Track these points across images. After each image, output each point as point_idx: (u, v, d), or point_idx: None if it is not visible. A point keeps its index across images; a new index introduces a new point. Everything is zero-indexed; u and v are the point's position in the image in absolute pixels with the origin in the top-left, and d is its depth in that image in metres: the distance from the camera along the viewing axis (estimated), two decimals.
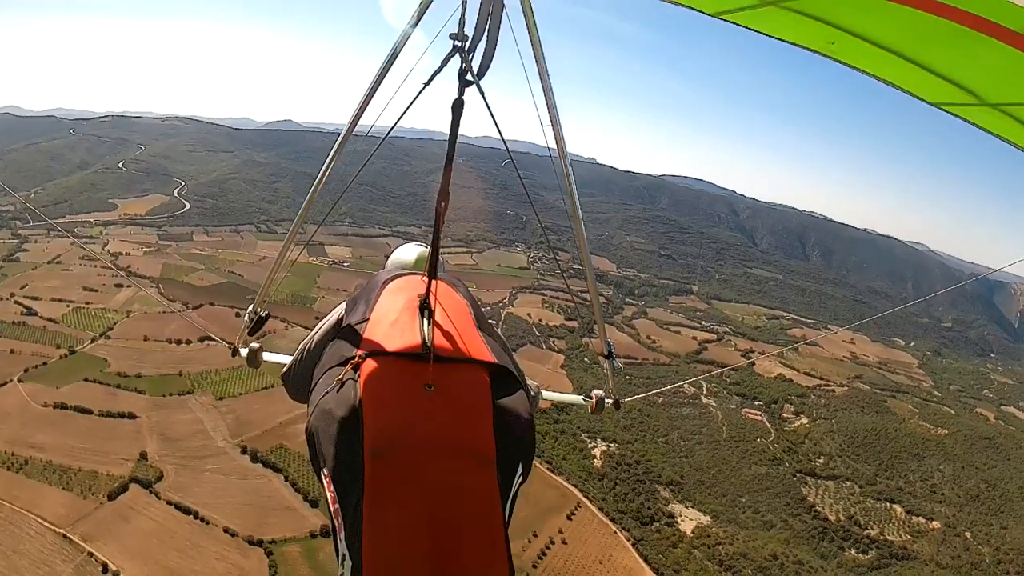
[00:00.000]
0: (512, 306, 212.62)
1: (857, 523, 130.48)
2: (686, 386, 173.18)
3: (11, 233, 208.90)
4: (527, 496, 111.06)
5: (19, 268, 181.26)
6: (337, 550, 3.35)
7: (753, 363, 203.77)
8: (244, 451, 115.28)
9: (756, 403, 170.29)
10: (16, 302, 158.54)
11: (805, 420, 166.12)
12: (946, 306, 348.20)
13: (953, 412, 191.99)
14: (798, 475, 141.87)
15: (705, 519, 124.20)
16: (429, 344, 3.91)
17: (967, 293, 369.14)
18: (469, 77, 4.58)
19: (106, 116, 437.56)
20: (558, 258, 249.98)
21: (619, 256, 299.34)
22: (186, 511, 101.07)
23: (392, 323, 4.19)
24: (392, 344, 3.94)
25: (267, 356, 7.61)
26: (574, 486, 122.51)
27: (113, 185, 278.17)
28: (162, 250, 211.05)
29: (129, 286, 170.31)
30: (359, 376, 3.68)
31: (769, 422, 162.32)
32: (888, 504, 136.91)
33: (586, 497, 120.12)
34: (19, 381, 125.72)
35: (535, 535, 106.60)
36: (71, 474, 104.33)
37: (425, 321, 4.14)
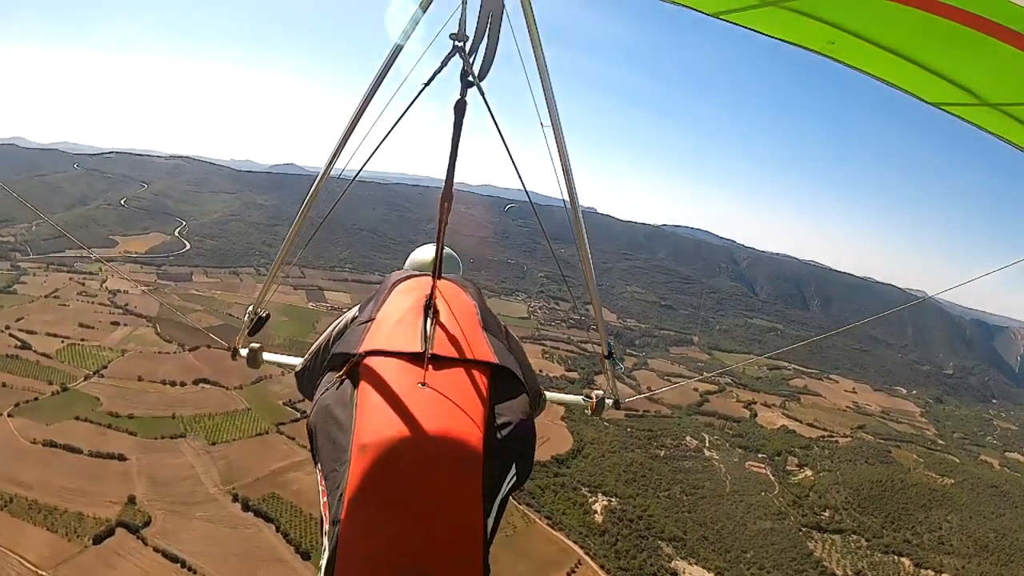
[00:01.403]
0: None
1: None
2: (688, 439, 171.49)
3: (10, 264, 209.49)
4: (525, 552, 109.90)
5: (15, 300, 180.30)
6: (322, 543, 3.39)
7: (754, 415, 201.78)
8: (235, 499, 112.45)
9: (759, 455, 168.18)
10: (11, 335, 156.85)
11: (809, 472, 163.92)
12: (946, 352, 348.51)
13: (958, 460, 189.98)
14: (804, 529, 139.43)
15: None
16: (427, 343, 4.02)
17: (967, 339, 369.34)
18: (470, 78, 4.56)
19: (111, 152, 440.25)
20: (558, 307, 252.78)
21: (620, 306, 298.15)
22: (173, 559, 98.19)
23: (396, 323, 4.34)
24: (392, 343, 4.08)
25: (267, 356, 7.76)
26: (574, 542, 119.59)
27: (114, 222, 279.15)
28: (160, 289, 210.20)
29: (126, 324, 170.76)
30: (357, 374, 3.85)
31: (773, 475, 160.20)
32: (896, 557, 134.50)
33: (587, 554, 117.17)
34: (9, 416, 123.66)
35: None
36: (56, 514, 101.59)
37: (428, 321, 4.23)
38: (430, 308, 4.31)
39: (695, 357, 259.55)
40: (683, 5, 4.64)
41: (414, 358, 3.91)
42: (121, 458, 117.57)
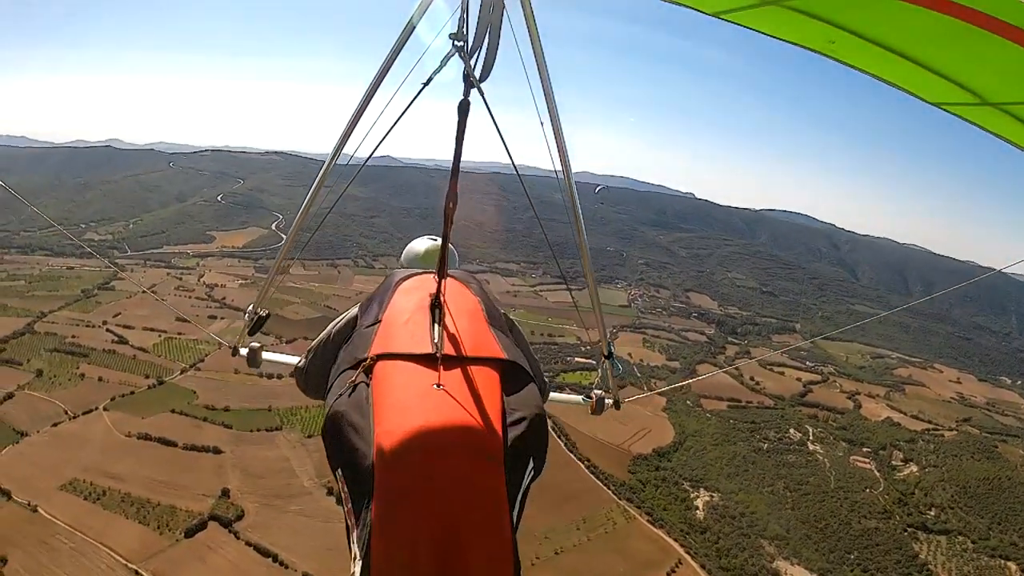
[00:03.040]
0: (613, 346, 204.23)
1: None
2: (792, 431, 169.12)
3: (108, 262, 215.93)
4: (625, 550, 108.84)
5: (113, 296, 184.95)
6: (351, 549, 3.50)
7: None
8: (330, 492, 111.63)
9: (864, 449, 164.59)
10: (108, 330, 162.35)
11: (915, 468, 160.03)
12: None
13: None
14: (909, 529, 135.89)
15: None
16: (438, 344, 4.15)
17: None
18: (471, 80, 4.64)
19: (206, 150, 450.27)
20: (659, 295, 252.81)
21: (720, 293, 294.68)
22: (265, 553, 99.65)
23: (404, 323, 4.46)
24: (403, 345, 4.20)
25: (267, 356, 7.99)
26: (675, 540, 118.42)
27: (211, 217, 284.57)
28: (257, 283, 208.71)
29: (223, 318, 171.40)
30: (370, 378, 3.96)
31: (878, 470, 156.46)
32: (1002, 562, 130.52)
33: (688, 552, 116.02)
34: (104, 409, 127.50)
35: None
36: (149, 507, 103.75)
37: (436, 321, 4.39)
38: (437, 307, 4.47)
39: (797, 345, 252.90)
40: (683, 5, 4.68)
41: (426, 359, 4.02)
42: (216, 451, 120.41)
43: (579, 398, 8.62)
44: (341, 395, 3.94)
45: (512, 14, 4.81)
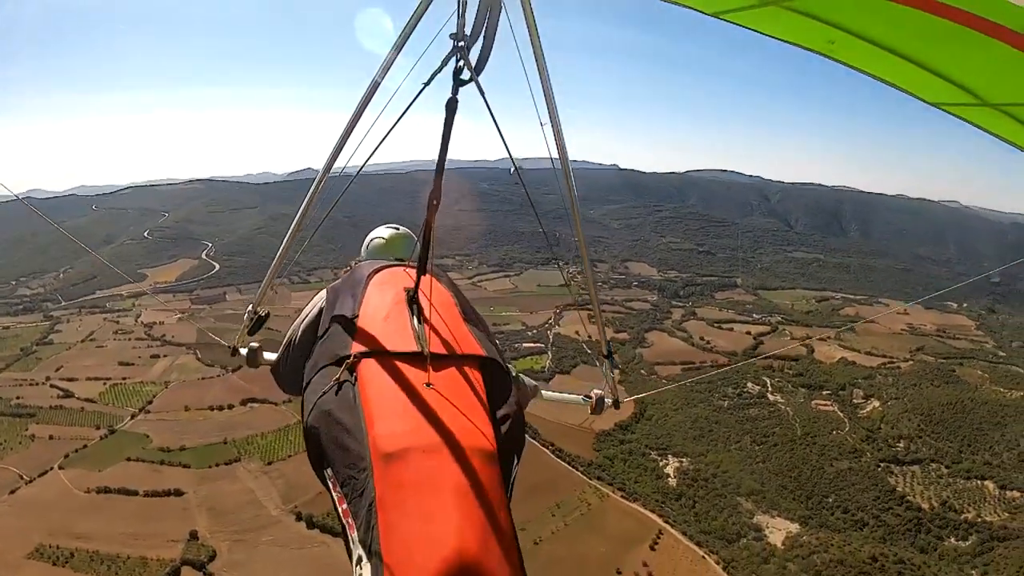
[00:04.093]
0: (559, 325, 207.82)
1: (952, 508, 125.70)
2: (750, 385, 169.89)
3: (43, 316, 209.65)
4: (604, 529, 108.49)
5: (53, 350, 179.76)
6: (349, 551, 3.47)
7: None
8: (299, 517, 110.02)
9: (824, 392, 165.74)
10: (52, 385, 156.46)
11: (877, 403, 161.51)
12: (992, 261, 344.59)
13: (1023, 371, 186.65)
14: (882, 464, 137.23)
15: (794, 527, 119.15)
16: (424, 342, 4.15)
17: (1010, 243, 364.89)
18: (463, 76, 4.66)
19: (127, 188, 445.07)
20: (598, 270, 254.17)
21: (658, 259, 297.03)
22: None
23: (384, 319, 4.40)
24: (387, 342, 4.15)
25: (268, 355, 7.79)
26: (652, 511, 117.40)
27: (140, 255, 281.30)
28: (196, 314, 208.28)
29: (166, 355, 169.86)
30: (356, 376, 3.89)
31: (841, 411, 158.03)
32: (979, 482, 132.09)
33: (667, 522, 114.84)
34: (60, 468, 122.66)
35: (619, 572, 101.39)
36: (119, 563, 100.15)
37: (415, 317, 4.40)
38: (415, 303, 4.49)
39: (741, 300, 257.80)
40: (683, 5, 4.69)
41: (413, 357, 3.99)
42: (178, 493, 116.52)
43: (579, 398, 8.40)
44: (326, 393, 3.85)
45: (510, 14, 4.78)
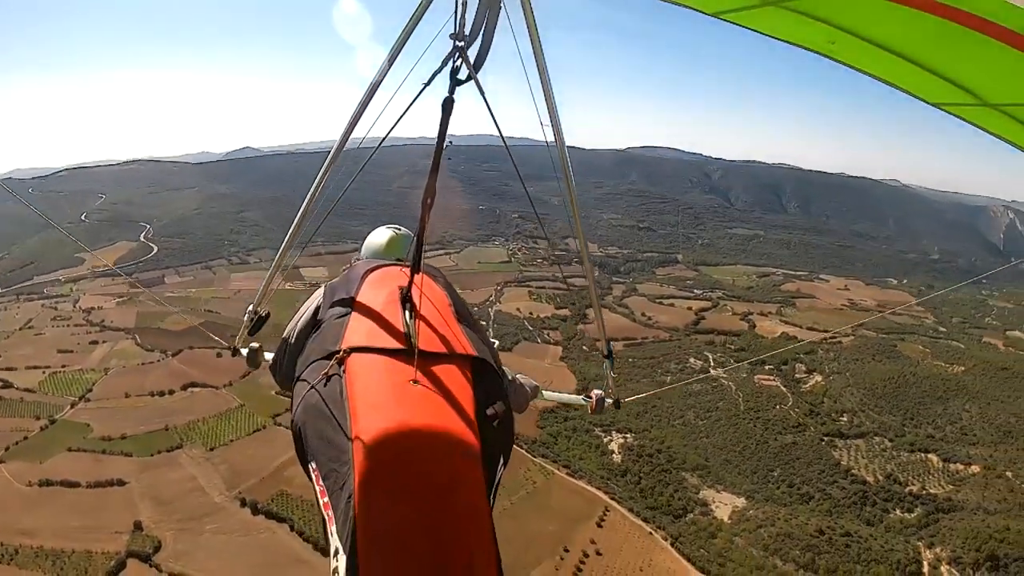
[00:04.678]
0: (500, 302, 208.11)
1: (896, 480, 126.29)
2: (692, 360, 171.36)
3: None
4: (550, 507, 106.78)
5: None
6: (328, 543, 3.44)
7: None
8: (244, 503, 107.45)
9: (766, 367, 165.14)
10: None
11: (819, 378, 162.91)
12: (930, 238, 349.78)
13: (963, 346, 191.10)
14: (826, 438, 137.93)
15: (740, 501, 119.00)
16: (413, 339, 4.12)
17: (949, 222, 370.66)
18: (461, 76, 4.68)
19: (63, 170, 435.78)
20: (538, 246, 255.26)
21: (598, 235, 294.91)
22: None
23: (376, 316, 4.41)
24: (376, 339, 4.15)
25: (268, 355, 7.38)
26: (598, 488, 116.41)
27: (79, 239, 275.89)
28: (134, 298, 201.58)
29: (104, 341, 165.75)
30: (344, 371, 3.87)
31: (784, 386, 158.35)
32: (923, 455, 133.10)
33: (612, 499, 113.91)
34: (0, 461, 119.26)
35: (566, 550, 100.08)
36: (64, 558, 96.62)
37: (408, 315, 4.34)
38: (408, 301, 4.41)
39: (682, 276, 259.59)
40: (683, 5, 4.69)
41: (401, 354, 3.97)
42: (120, 483, 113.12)
43: (579, 398, 8.51)
44: (314, 386, 3.83)
45: (509, 13, 4.84)
